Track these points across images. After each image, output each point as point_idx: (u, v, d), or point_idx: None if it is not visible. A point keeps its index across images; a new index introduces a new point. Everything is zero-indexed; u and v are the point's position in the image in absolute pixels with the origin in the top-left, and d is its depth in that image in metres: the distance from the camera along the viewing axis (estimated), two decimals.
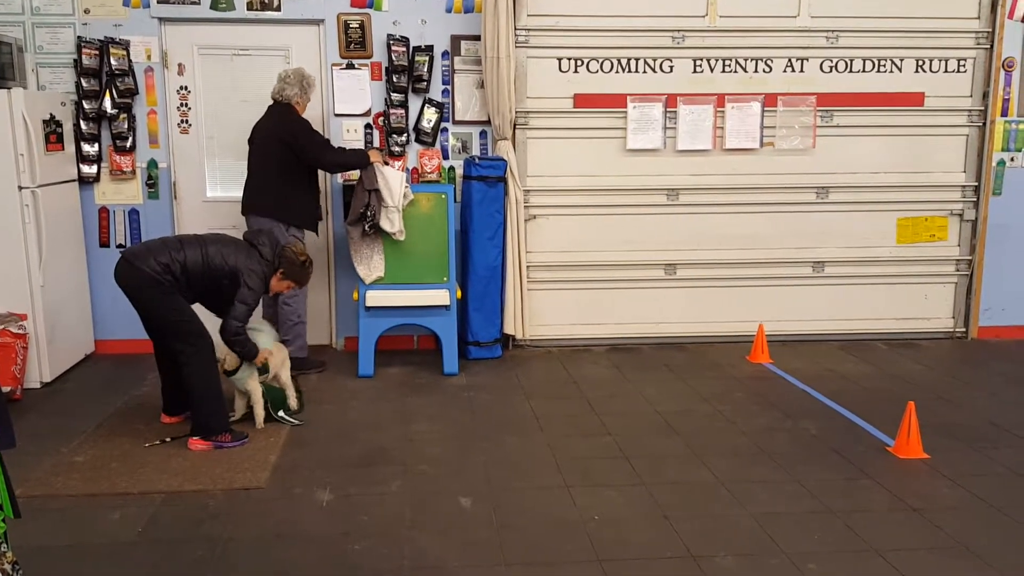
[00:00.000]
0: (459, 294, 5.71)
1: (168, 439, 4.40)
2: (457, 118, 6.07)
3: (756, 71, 6.14)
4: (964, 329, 6.56)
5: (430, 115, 5.99)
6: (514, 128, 5.97)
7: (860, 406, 4.95)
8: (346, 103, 5.96)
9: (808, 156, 6.26)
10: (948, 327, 6.56)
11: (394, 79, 5.88)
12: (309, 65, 5.77)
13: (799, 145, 6.23)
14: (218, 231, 4.68)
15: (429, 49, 5.91)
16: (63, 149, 5.57)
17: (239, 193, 5.57)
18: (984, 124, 6.30)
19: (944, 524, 3.53)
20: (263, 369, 4.63)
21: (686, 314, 6.35)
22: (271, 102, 5.45)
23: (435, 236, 5.67)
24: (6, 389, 4.83)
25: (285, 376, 4.81)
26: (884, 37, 6.15)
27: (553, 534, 3.45)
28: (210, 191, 6.05)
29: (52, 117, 5.40)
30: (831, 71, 6.18)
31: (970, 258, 6.48)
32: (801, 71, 6.17)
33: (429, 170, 6.05)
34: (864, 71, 6.21)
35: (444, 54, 5.99)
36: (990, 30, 6.19)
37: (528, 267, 6.12)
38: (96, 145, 5.83)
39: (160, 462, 4.15)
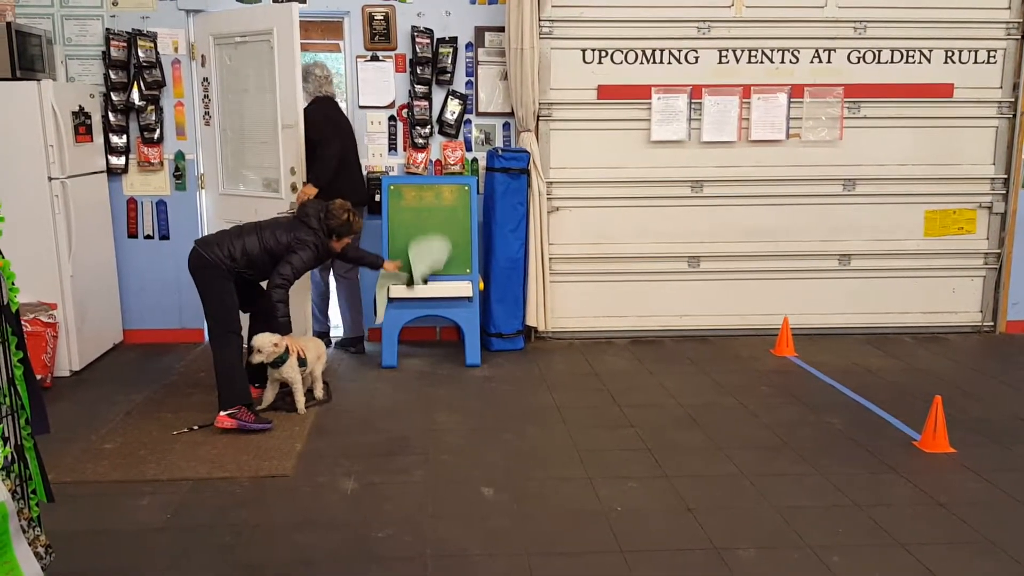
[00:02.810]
0: (481, 286, 5.73)
1: (195, 427, 4.46)
2: (480, 110, 6.07)
3: (783, 62, 6.09)
4: (992, 323, 6.48)
5: (454, 107, 6.00)
6: (537, 120, 5.96)
7: (886, 400, 4.91)
8: (370, 95, 5.98)
9: (835, 148, 6.20)
10: (976, 321, 6.48)
11: (418, 71, 5.90)
12: (287, 47, 5.43)
13: (826, 137, 6.17)
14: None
15: (453, 41, 5.91)
16: (92, 140, 5.64)
17: (241, 190, 5.70)
18: (1014, 116, 6.20)
19: (969, 519, 3.50)
20: (302, 362, 4.70)
21: (710, 307, 6.32)
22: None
23: (458, 228, 5.69)
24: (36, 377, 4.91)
25: (318, 371, 4.88)
26: (913, 27, 6.07)
27: (575, 525, 3.45)
28: (223, 185, 5.98)
29: (81, 109, 5.47)
30: (859, 62, 6.11)
31: (999, 251, 6.39)
32: (828, 62, 6.10)
33: (452, 162, 6.06)
34: (892, 62, 6.13)
35: (468, 46, 5.99)
36: (1021, 20, 6.08)
37: (551, 259, 6.12)
38: (124, 137, 5.89)
39: (188, 450, 4.20)
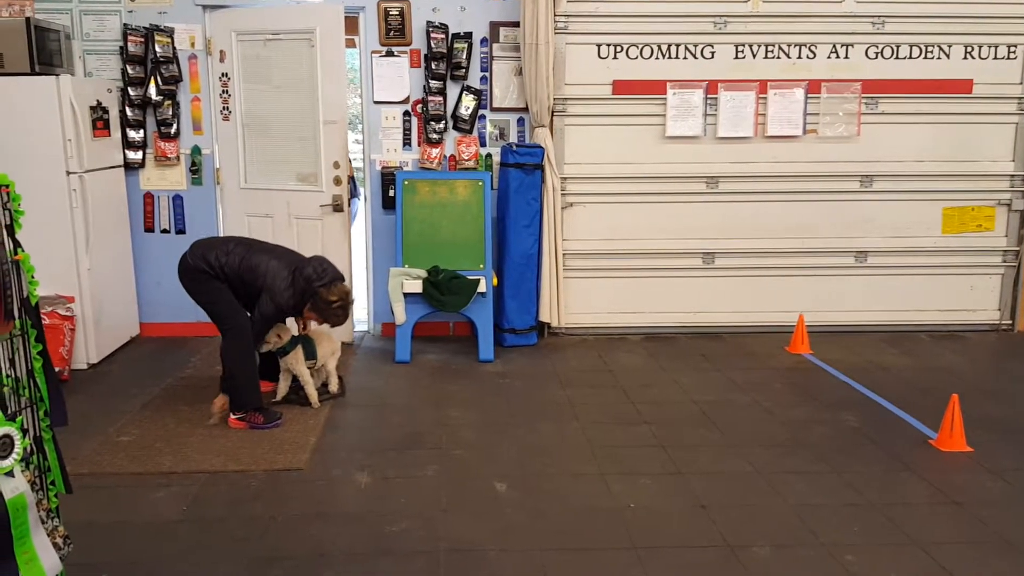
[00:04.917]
0: (495, 281, 5.73)
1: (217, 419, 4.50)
2: (495, 105, 6.07)
3: (800, 57, 6.04)
4: (1010, 321, 6.42)
5: (468, 102, 5.99)
6: (552, 115, 5.95)
7: (902, 398, 4.88)
8: (385, 90, 5.99)
9: (852, 144, 6.16)
10: (994, 319, 6.43)
11: (433, 66, 5.90)
12: (332, 46, 5.62)
13: (843, 132, 6.13)
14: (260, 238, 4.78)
15: (468, 36, 5.91)
16: (109, 135, 5.68)
17: (269, 183, 5.76)
18: None
19: (986, 518, 3.47)
20: (310, 354, 4.72)
21: (724, 303, 6.30)
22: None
23: (472, 223, 5.70)
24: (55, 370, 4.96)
25: (331, 366, 4.90)
26: (932, 22, 6.01)
27: (588, 521, 3.45)
28: (245, 180, 6.04)
29: (99, 103, 5.51)
30: (877, 57, 6.07)
31: (1017, 249, 6.33)
32: (846, 57, 6.06)
33: (466, 157, 6.06)
34: (911, 57, 6.08)
35: (483, 41, 5.98)
36: None
37: (564, 255, 6.11)
38: (141, 131, 5.93)
39: (203, 443, 4.23)
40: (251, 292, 4.42)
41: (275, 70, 5.80)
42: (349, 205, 5.93)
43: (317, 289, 4.39)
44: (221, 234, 6.02)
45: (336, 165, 5.72)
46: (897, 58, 6.07)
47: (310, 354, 4.74)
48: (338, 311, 4.47)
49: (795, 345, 5.89)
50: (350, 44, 8.20)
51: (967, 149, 6.21)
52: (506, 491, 3.72)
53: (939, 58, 6.09)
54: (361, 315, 6.53)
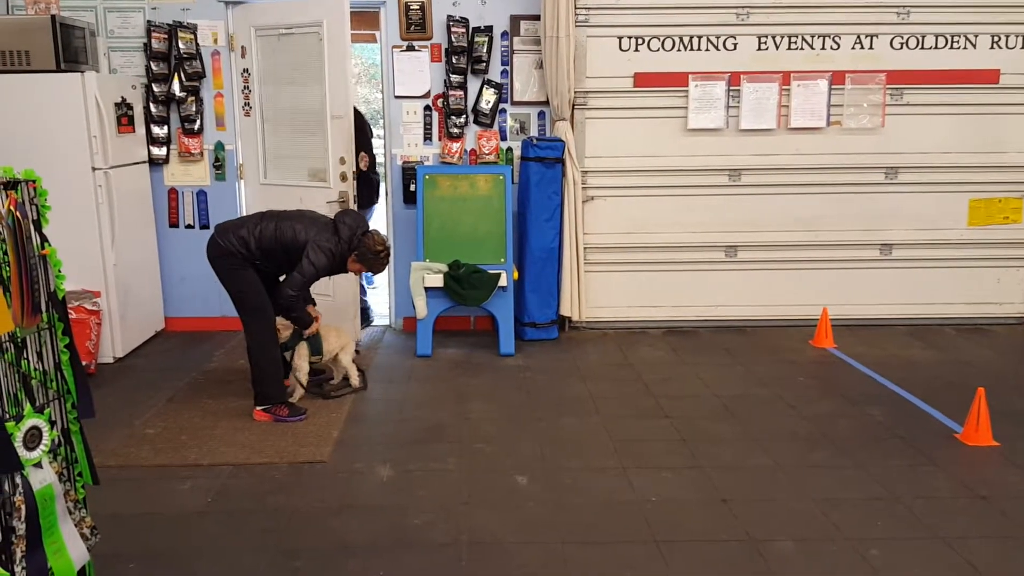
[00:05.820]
0: (516, 275, 5.73)
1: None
2: (515, 99, 6.06)
3: (823, 48, 5.98)
4: None
5: (489, 96, 5.99)
6: (573, 108, 5.93)
7: (927, 392, 4.83)
8: (406, 85, 6.00)
9: (877, 135, 6.09)
10: (1021, 312, 6.34)
11: (453, 60, 5.90)
12: (338, 39, 5.53)
13: (867, 124, 6.06)
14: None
15: (488, 30, 5.90)
16: (134, 131, 5.73)
17: (284, 179, 5.80)
18: None
19: (1012, 513, 3.43)
20: (316, 350, 4.73)
21: (747, 297, 6.26)
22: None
23: (492, 217, 5.70)
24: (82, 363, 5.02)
25: (346, 360, 4.91)
26: (958, 12, 5.92)
27: (609, 514, 3.45)
28: (265, 175, 6.05)
29: (123, 100, 5.57)
30: (901, 48, 5.99)
31: None
32: (870, 48, 5.99)
33: (487, 151, 6.06)
34: (936, 47, 6.00)
35: (503, 34, 5.98)
36: None
37: (585, 249, 6.10)
38: (165, 127, 5.99)
39: (228, 435, 4.27)
40: (291, 256, 4.44)
41: (288, 65, 5.78)
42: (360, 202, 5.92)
43: (361, 238, 4.52)
44: None
45: (342, 161, 5.65)
46: (922, 48, 5.99)
47: (316, 350, 4.75)
48: (384, 258, 4.62)
49: (819, 339, 5.85)
50: (371, 39, 8.24)
51: (993, 140, 6.12)
52: (527, 484, 3.73)
53: (965, 48, 6.00)
54: (382, 309, 6.56)
